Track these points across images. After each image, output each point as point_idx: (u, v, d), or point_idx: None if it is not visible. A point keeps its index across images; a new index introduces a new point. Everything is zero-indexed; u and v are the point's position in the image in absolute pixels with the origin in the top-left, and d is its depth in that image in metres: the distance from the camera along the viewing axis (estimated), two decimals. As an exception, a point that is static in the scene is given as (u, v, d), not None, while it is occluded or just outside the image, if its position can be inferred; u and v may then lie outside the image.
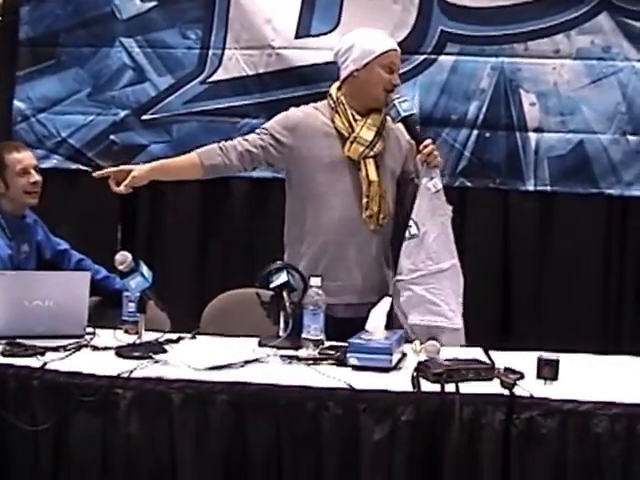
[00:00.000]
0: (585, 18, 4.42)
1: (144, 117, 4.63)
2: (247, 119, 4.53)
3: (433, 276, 3.24)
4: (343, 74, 3.36)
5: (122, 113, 4.64)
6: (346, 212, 3.30)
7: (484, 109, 4.46)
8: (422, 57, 4.47)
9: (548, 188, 4.48)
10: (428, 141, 3.27)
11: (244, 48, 4.56)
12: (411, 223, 3.26)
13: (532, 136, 4.47)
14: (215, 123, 4.57)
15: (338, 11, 4.48)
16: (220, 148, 3.34)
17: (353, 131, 3.30)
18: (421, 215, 3.25)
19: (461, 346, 3.15)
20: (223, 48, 4.57)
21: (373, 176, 3.30)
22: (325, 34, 4.45)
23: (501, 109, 4.47)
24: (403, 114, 3.27)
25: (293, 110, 3.40)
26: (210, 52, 4.58)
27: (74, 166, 4.67)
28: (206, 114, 4.59)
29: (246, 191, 4.55)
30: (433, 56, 4.48)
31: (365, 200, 3.29)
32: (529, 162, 4.48)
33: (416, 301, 3.19)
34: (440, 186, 3.27)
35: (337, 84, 3.39)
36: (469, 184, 4.50)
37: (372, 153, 3.31)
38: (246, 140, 3.35)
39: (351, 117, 3.31)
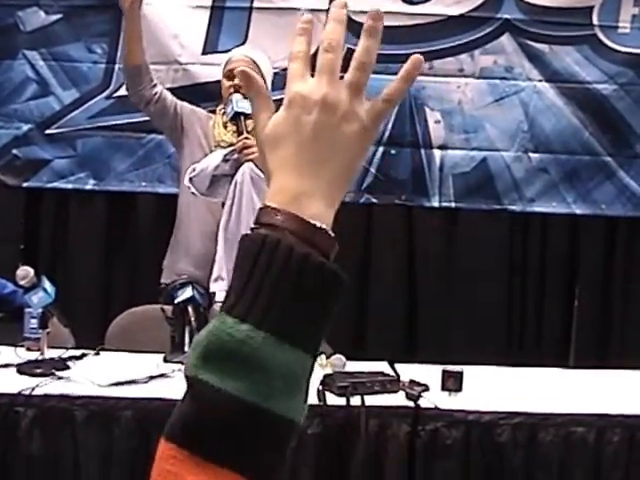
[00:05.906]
0: (488, 39, 4.50)
1: (48, 131, 4.53)
2: (153, 134, 4.47)
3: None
4: None
5: (25, 127, 4.53)
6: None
7: (390, 126, 4.50)
8: (328, 74, 4.50)
9: (452, 204, 4.55)
10: (243, 136, 3.39)
11: (151, 63, 4.47)
12: None
13: (437, 153, 4.52)
14: (120, 138, 4.51)
15: (246, 27, 4.47)
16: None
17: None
18: None
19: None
20: (129, 63, 4.52)
21: None
22: (233, 49, 4.44)
23: (406, 126, 4.52)
24: (236, 109, 3.42)
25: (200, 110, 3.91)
26: (116, 67, 4.51)
27: (-26, 181, 4.56)
28: (111, 129, 4.52)
29: (152, 207, 4.50)
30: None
31: None
32: (434, 179, 4.53)
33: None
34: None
35: None
36: (375, 200, 4.54)
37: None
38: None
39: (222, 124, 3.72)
